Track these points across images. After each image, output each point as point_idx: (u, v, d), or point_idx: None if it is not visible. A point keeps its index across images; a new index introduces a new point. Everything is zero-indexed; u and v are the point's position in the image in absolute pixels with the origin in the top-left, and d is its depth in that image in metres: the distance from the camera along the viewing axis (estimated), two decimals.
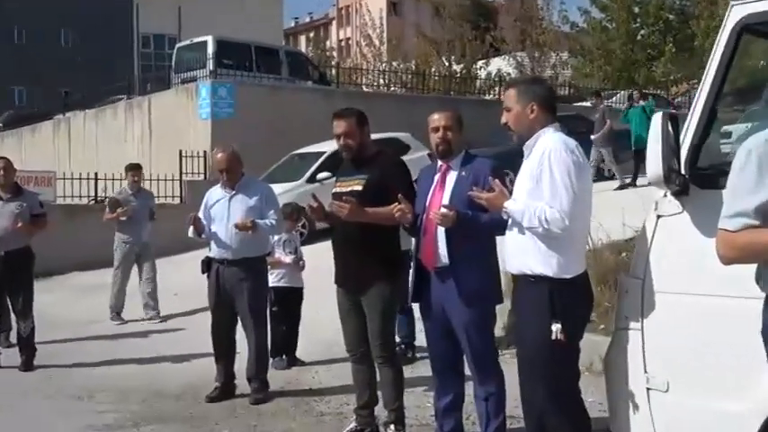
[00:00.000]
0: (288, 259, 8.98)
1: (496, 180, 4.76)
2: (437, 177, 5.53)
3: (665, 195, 4.22)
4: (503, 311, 6.15)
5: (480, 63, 37.66)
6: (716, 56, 4.12)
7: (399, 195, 5.43)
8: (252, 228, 7.37)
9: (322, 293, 10.90)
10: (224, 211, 7.59)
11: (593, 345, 5.92)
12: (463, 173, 5.42)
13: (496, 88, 31.89)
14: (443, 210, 5.17)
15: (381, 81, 31.23)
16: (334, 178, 6.42)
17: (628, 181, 18.38)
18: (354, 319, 6.15)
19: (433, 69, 34.37)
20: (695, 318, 4.10)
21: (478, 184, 5.19)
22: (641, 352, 4.27)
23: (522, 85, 4.74)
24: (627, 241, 11.18)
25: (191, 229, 7.58)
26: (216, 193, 7.76)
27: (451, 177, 5.46)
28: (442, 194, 5.42)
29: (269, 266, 8.22)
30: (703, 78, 4.16)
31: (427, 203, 5.46)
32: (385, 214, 5.66)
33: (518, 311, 4.71)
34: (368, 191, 5.92)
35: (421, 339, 8.70)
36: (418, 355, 8.70)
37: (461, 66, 37.90)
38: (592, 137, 18.40)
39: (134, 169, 12.31)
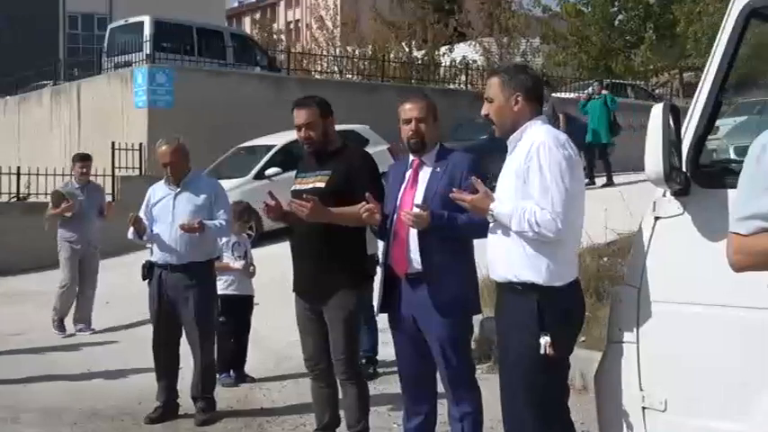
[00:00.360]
0: (237, 264, 8.90)
1: (479, 180, 4.69)
2: (409, 174, 5.48)
3: (665, 195, 4.20)
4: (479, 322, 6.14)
5: (443, 49, 37.61)
6: (721, 42, 4.12)
7: (367, 194, 5.37)
8: (199, 229, 7.29)
9: (272, 302, 10.94)
10: (168, 210, 7.50)
11: (573, 359, 5.90)
12: (438, 169, 5.38)
13: (461, 77, 32.00)
14: (416, 210, 5.12)
15: (335, 68, 31.14)
16: (294, 174, 6.34)
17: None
18: (315, 332, 6.10)
19: (391, 55, 34.34)
20: (696, 330, 4.08)
21: (455, 181, 5.17)
22: (636, 367, 4.25)
23: (506, 73, 4.68)
24: (608, 245, 11.28)
25: (131, 230, 7.46)
26: (159, 190, 7.66)
27: (425, 174, 5.42)
28: (414, 193, 5.37)
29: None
30: (707, 66, 4.16)
31: (398, 203, 5.41)
32: (351, 214, 5.60)
33: (502, 323, 4.66)
34: (331, 188, 5.87)
35: (384, 353, 8.76)
36: (380, 370, 8.68)
37: (423, 52, 37.88)
38: None
39: (83, 160, 12.07)
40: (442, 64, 34.41)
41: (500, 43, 39.45)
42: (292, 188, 6.17)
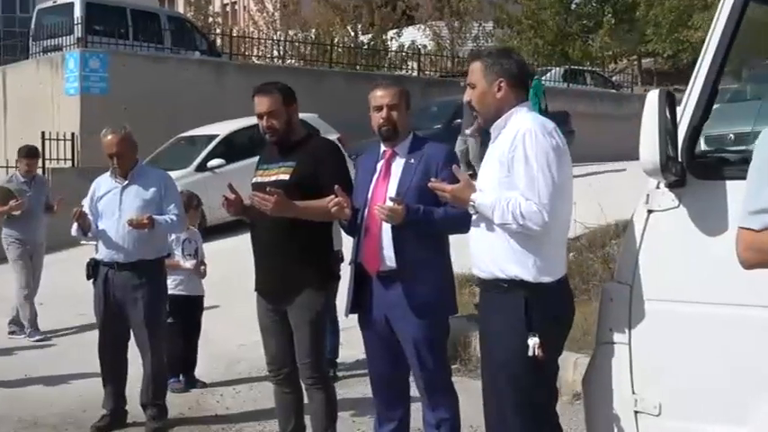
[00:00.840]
0: (188, 264, 8.81)
1: (459, 169, 4.66)
2: (380, 165, 5.45)
3: (658, 187, 4.19)
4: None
5: (391, 33, 37.67)
6: (719, 24, 4.11)
7: (336, 186, 5.33)
8: (148, 225, 7.17)
9: (220, 302, 10.87)
10: (115, 204, 7.38)
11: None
12: (412, 160, 5.35)
13: (410, 62, 32.01)
14: (390, 203, 5.08)
15: (276, 52, 31.00)
16: (255, 166, 6.25)
17: None
18: (278, 334, 6.03)
19: (335, 40, 34.26)
20: (692, 330, 4.07)
21: (430, 173, 5.14)
22: (628, 370, 4.23)
23: (489, 58, 4.64)
24: (574, 240, 11.32)
25: (74, 226, 7.33)
26: (105, 183, 7.54)
27: (398, 165, 5.39)
28: (386, 185, 5.34)
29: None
30: (703, 50, 4.15)
31: (369, 196, 5.37)
32: (318, 208, 5.56)
33: (487, 323, 4.62)
34: (296, 180, 5.80)
35: (344, 355, 8.73)
36: (341, 373, 8.64)
37: (369, 36, 37.86)
38: (467, 130, 18.13)
39: (29, 156, 11.75)
40: (390, 49, 34.40)
41: (451, 27, 39.59)
42: (253, 180, 6.08)
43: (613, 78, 36.53)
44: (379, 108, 5.44)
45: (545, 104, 18.85)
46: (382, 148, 5.50)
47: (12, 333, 11.53)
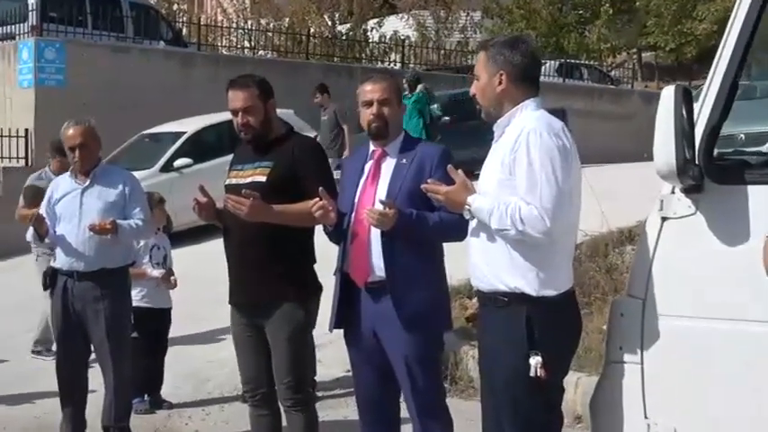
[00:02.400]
0: (156, 272, 8.75)
1: (459, 171, 4.63)
2: (369, 166, 5.45)
3: (673, 192, 4.17)
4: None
5: (372, 23, 37.70)
6: (739, 14, 4.08)
7: (320, 188, 5.31)
8: (112, 230, 7.10)
9: (190, 314, 10.80)
10: (75, 207, 7.28)
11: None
12: (403, 160, 5.35)
13: (392, 54, 32.02)
14: (380, 206, 5.08)
15: (247, 43, 30.97)
16: (229, 166, 6.21)
17: None
18: (255, 352, 5.99)
19: (311, 30, 34.26)
20: (711, 348, 4.06)
21: (424, 175, 5.13)
22: (641, 392, 4.22)
23: (493, 47, 4.63)
24: (575, 248, 11.32)
25: (30, 231, 7.26)
26: (63, 183, 7.46)
27: (388, 166, 5.39)
28: (375, 187, 5.34)
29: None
30: (722, 43, 4.13)
31: (356, 200, 5.37)
32: (299, 213, 5.57)
33: (486, 339, 4.62)
34: (274, 183, 5.78)
35: (322, 374, 8.67)
36: (319, 393, 8.58)
37: (348, 26, 37.86)
38: None
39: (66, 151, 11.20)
40: (371, 40, 34.41)
41: (436, 17, 39.65)
42: (226, 182, 6.06)
43: (612, 73, 36.65)
44: (369, 103, 5.44)
45: (435, 116, 18.42)
46: (371, 147, 5.49)
47: (37, 353, 11.12)
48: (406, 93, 18.37)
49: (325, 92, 18.59)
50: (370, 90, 5.46)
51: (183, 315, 9.97)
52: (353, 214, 5.34)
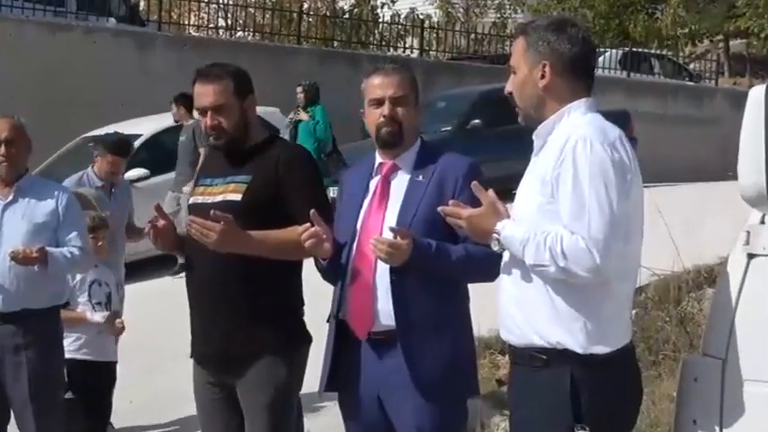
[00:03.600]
0: (97, 316, 8.73)
1: (489, 191, 4.64)
2: (375, 183, 5.45)
3: (763, 221, 4.20)
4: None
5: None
6: None
7: (312, 211, 5.30)
8: (40, 259, 7.11)
9: (140, 369, 10.82)
10: None
11: None
12: (420, 177, 5.35)
13: (409, 39, 32.06)
14: (389, 235, 5.07)
15: (222, 21, 31.04)
16: (194, 180, 6.26)
17: None
18: (223, 418, 6.00)
19: (305, 6, 34.37)
20: None
21: (446, 195, 5.13)
22: None
23: (534, 32, 4.62)
24: (637, 292, 11.35)
25: None
26: None
27: (400, 183, 5.39)
28: (384, 211, 5.35)
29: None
30: None
31: (359, 226, 5.37)
32: (284, 242, 5.58)
33: (518, 408, 4.65)
34: (251, 203, 5.80)
35: None
36: None
37: (352, 2, 37.94)
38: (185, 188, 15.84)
39: (118, 151, 10.75)
40: (382, 20, 34.46)
41: None
42: (191, 201, 6.10)
43: (690, 66, 36.66)
44: (379, 102, 5.42)
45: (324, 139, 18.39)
46: (378, 159, 5.49)
47: None
48: (299, 108, 18.99)
49: (183, 104, 16.68)
50: (380, 84, 5.44)
51: (135, 369, 10.01)
52: (355, 245, 5.33)
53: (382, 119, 5.39)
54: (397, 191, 5.38)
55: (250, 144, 6.02)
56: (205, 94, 5.96)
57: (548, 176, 4.40)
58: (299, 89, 19.24)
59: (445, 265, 5.13)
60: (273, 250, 5.68)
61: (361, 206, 5.43)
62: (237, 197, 5.85)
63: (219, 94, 5.94)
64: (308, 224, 5.31)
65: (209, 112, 5.94)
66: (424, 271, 5.12)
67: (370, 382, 5.33)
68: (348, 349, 5.38)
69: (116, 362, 8.98)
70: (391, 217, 5.29)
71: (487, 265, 4.77)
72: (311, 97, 18.90)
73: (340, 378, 5.43)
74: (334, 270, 5.45)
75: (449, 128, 20.14)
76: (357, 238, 5.34)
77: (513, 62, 4.66)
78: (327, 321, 5.55)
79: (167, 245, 6.04)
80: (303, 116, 18.89)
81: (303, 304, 6.05)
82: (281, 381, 5.84)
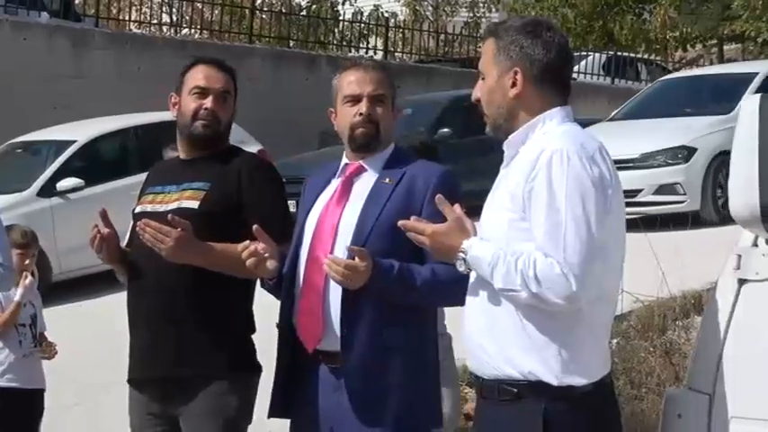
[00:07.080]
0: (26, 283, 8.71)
1: (456, 206, 4.62)
2: (336, 184, 5.40)
3: (756, 244, 4.22)
4: None
5: None
6: None
7: (255, 227, 5.26)
8: None
9: (71, 396, 10.78)
10: None
11: None
12: (386, 179, 5.29)
13: (372, 38, 32.12)
14: (345, 255, 5.02)
15: (166, 17, 31.03)
16: (141, 189, 6.24)
17: None
18: None
19: (258, 1, 34.39)
20: None
21: (414, 203, 5.13)
22: None
23: (505, 34, 4.62)
24: (618, 319, 11.39)
25: None
26: None
27: (364, 184, 5.33)
28: (341, 210, 5.29)
29: None
30: None
31: (312, 227, 5.31)
32: (231, 256, 5.50)
33: None
34: (209, 212, 5.82)
35: None
36: None
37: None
38: None
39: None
40: (341, 18, 34.53)
41: None
42: (137, 209, 6.08)
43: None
44: (356, 99, 5.37)
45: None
46: (344, 160, 5.45)
47: None
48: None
49: None
50: (357, 80, 5.40)
51: (66, 398, 9.99)
52: (307, 247, 5.26)
53: (358, 117, 5.34)
54: (359, 191, 5.30)
55: (220, 149, 6.08)
56: (217, 78, 6.12)
57: (518, 191, 4.38)
58: None
59: (409, 290, 5.06)
60: (220, 263, 5.67)
61: (313, 205, 5.38)
62: (194, 204, 5.87)
63: (229, 83, 6.16)
64: (248, 241, 5.28)
65: (211, 96, 6.03)
66: (384, 295, 5.06)
67: (325, 410, 5.26)
68: (299, 367, 5.31)
69: (44, 389, 8.96)
70: (350, 218, 5.21)
71: (457, 289, 4.69)
72: None
73: (292, 403, 5.36)
74: (281, 288, 5.40)
75: (416, 137, 20.14)
76: (310, 240, 5.27)
77: (481, 66, 4.64)
78: (277, 326, 5.49)
79: (111, 255, 5.98)
80: None
81: (254, 331, 6.05)
82: (230, 412, 5.82)
